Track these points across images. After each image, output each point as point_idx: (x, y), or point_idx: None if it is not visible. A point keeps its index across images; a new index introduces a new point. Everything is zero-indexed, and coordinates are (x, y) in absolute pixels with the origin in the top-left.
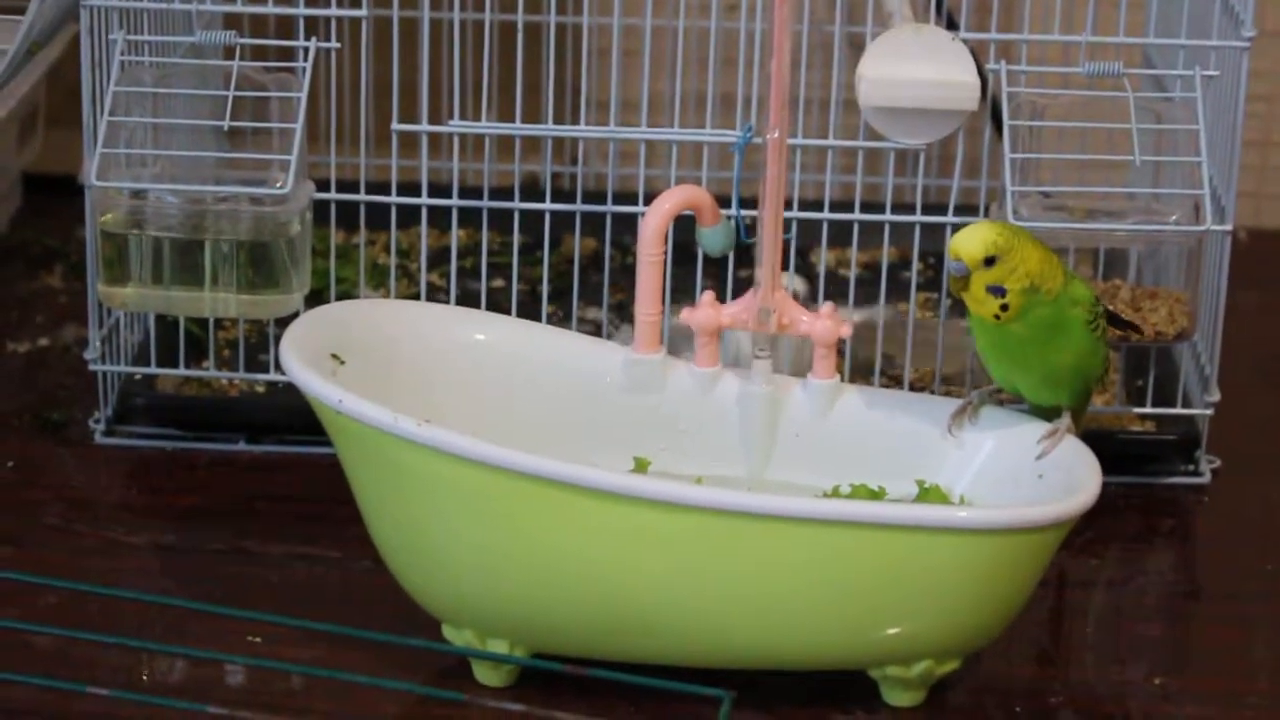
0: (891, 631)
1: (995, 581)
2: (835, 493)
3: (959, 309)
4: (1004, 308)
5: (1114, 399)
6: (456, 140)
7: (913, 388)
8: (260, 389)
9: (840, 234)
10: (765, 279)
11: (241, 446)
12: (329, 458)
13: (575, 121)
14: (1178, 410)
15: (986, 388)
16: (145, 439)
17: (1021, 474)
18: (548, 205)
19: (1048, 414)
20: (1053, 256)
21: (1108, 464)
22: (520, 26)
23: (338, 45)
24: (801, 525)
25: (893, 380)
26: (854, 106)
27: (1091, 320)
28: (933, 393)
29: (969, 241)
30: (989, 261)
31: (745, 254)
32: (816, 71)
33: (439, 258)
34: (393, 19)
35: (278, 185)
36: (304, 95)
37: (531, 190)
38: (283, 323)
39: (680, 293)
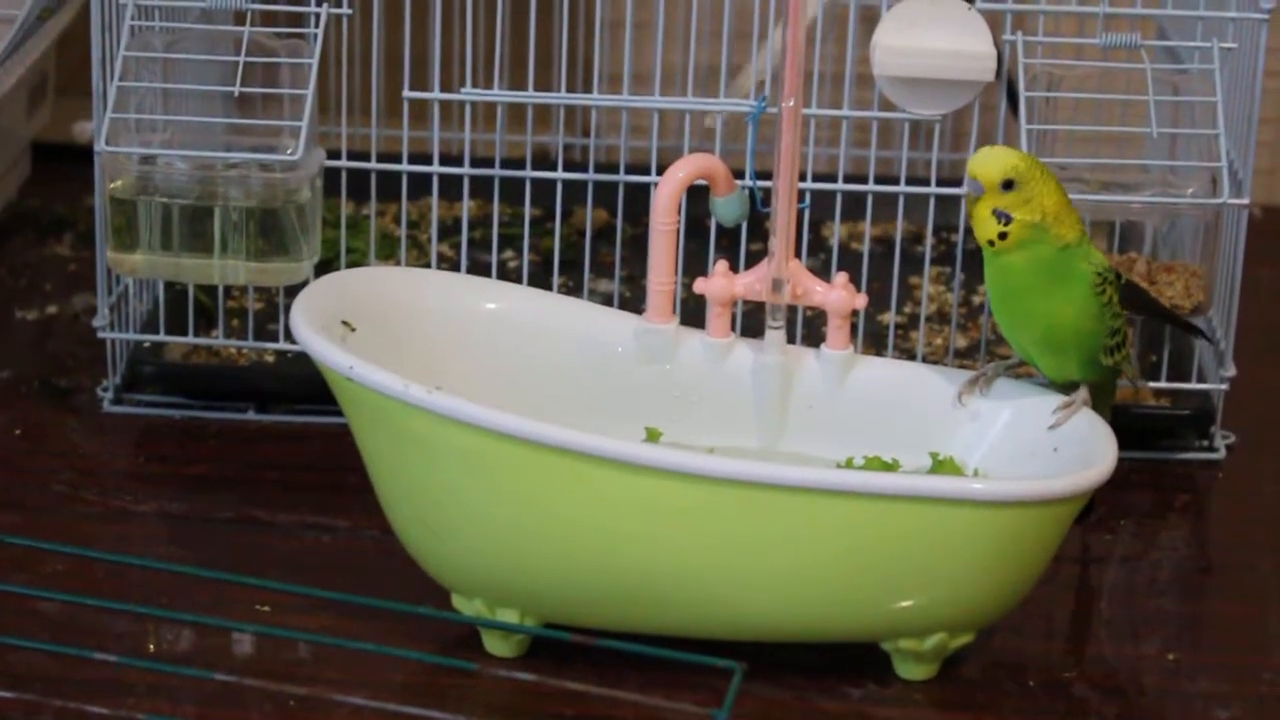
0: (905, 604)
1: (1010, 554)
2: (849, 464)
3: (971, 282)
4: (1002, 235)
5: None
6: (469, 109)
7: (926, 361)
8: (269, 358)
9: (853, 209)
10: (779, 248)
11: (250, 415)
12: (337, 427)
13: (588, 93)
14: (1193, 385)
15: (1002, 361)
16: (153, 407)
17: (1037, 447)
18: (560, 174)
19: (1066, 391)
20: (1074, 211)
21: (1122, 439)
22: None
23: (349, 12)
24: (815, 496)
25: (905, 354)
26: (867, 81)
27: (1100, 284)
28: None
29: (989, 161)
30: (1006, 185)
31: (757, 229)
32: (830, 45)
33: (449, 229)
34: None
35: (288, 152)
36: (315, 61)
37: (543, 163)
38: (291, 292)
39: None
